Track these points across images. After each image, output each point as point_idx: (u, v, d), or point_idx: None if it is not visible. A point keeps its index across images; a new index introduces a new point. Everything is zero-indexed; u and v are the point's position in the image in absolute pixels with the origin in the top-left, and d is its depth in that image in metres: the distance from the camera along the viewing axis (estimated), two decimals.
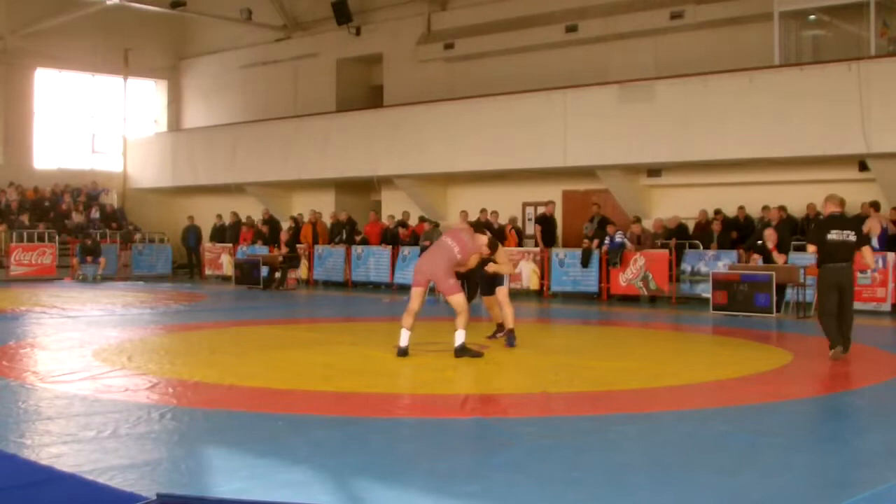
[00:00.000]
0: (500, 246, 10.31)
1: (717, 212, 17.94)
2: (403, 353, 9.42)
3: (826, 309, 9.48)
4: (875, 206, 15.81)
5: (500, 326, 10.76)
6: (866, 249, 9.78)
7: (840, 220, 9.68)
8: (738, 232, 17.47)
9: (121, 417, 6.31)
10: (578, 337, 12.83)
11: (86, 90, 29.14)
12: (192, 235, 25.62)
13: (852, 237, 9.50)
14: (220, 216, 25.59)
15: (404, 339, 9.44)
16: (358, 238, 21.96)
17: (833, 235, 9.46)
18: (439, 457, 5.38)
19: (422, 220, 21.33)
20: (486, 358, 9.60)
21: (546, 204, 19.77)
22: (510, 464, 5.22)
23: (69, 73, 28.66)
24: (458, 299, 9.45)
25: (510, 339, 10.25)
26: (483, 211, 19.46)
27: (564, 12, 21.22)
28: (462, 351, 9.38)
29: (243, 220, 25.06)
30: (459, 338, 9.38)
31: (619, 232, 17.79)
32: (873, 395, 7.73)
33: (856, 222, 10.20)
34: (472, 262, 9.92)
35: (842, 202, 9.98)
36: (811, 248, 9.81)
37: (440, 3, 24.08)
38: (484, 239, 9.99)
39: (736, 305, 14.37)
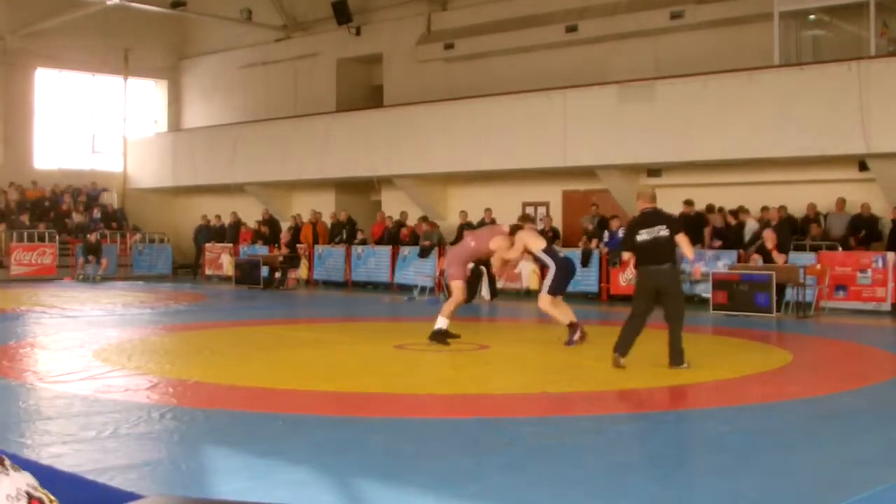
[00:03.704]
0: (518, 232, 10.42)
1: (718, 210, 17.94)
2: (436, 335, 10.05)
3: (635, 312, 8.61)
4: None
5: (572, 325, 10.41)
6: (680, 238, 8.60)
7: (649, 217, 8.63)
8: None
9: (121, 417, 6.31)
10: None
11: (86, 90, 29.13)
12: (202, 235, 25.62)
13: (664, 231, 8.48)
14: (218, 216, 25.64)
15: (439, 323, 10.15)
16: (359, 237, 21.94)
17: (643, 236, 8.52)
18: (439, 457, 5.38)
19: (423, 220, 21.33)
20: (485, 358, 9.61)
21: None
22: (510, 464, 5.22)
23: (69, 73, 28.65)
24: (455, 285, 10.09)
25: (571, 338, 10.04)
26: (462, 212, 20.46)
27: (564, 12, 21.22)
28: (437, 335, 9.86)
29: (225, 221, 25.24)
30: (439, 322, 9.88)
31: (623, 228, 17.77)
32: (873, 395, 7.73)
33: (667, 216, 8.85)
34: (511, 255, 10.37)
35: (653, 197, 8.80)
36: (625, 255, 8.90)
37: (440, 3, 24.07)
38: (499, 239, 10.33)
39: (736, 305, 14.37)
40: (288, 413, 6.66)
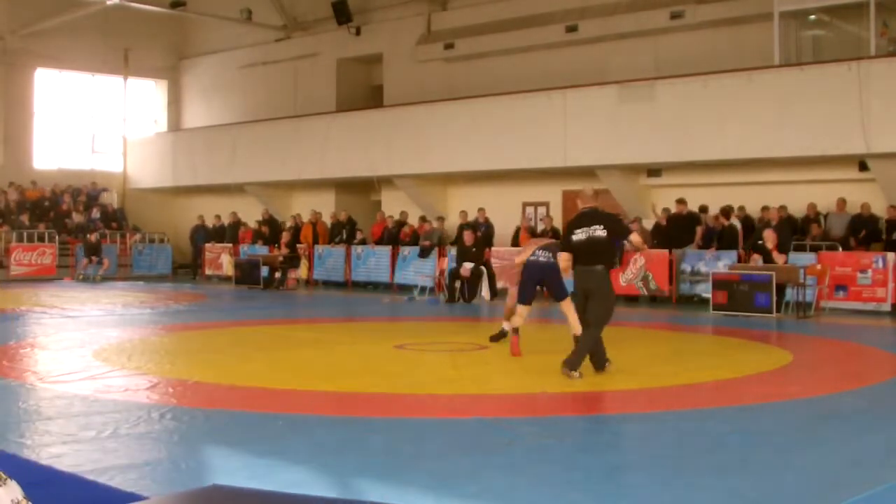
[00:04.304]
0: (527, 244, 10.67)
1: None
2: (506, 334, 10.26)
3: (585, 322, 8.40)
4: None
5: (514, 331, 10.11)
6: (633, 237, 8.60)
7: (586, 217, 8.38)
8: None
9: (121, 417, 6.31)
10: None
11: (86, 90, 29.14)
12: (200, 235, 25.63)
13: (600, 231, 8.22)
14: (218, 216, 25.64)
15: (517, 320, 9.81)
16: (359, 237, 21.93)
17: (578, 235, 8.28)
18: (439, 457, 5.38)
19: (423, 219, 21.35)
20: (485, 358, 9.61)
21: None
22: (510, 464, 5.22)
23: (69, 73, 28.65)
24: (510, 293, 10.72)
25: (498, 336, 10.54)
26: (463, 212, 20.31)
27: (564, 12, 21.22)
28: (496, 335, 10.52)
29: (225, 221, 25.31)
30: (509, 324, 10.18)
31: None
32: (873, 395, 7.73)
33: (605, 216, 8.56)
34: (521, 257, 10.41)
35: (595, 195, 8.68)
36: (564, 255, 8.44)
37: (440, 3, 24.08)
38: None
39: (736, 305, 14.36)
40: (288, 413, 6.67)
